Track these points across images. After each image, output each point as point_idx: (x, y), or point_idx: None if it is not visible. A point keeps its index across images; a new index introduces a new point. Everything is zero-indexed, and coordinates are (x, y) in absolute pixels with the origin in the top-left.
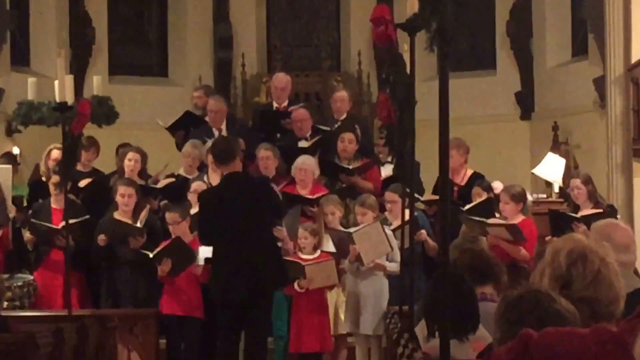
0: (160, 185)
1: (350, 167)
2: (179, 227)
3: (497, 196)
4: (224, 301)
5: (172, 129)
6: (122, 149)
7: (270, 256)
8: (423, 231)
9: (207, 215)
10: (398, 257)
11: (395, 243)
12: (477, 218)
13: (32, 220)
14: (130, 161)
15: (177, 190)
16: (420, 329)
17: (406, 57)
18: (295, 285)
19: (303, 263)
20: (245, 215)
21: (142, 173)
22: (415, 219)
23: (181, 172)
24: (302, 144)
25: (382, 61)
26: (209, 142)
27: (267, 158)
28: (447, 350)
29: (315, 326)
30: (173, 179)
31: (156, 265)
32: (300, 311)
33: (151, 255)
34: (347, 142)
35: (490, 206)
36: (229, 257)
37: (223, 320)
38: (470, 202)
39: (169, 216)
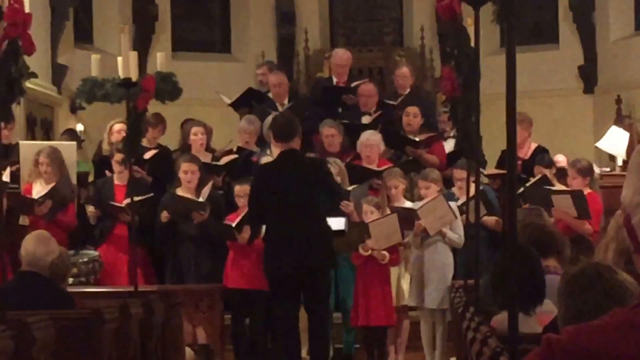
0: (222, 162)
1: (417, 139)
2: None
3: (559, 170)
4: (276, 277)
5: (235, 105)
6: (187, 124)
7: (319, 237)
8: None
9: (259, 190)
10: (461, 230)
11: (459, 215)
12: (544, 187)
13: (97, 196)
14: (197, 135)
15: (241, 166)
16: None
17: (470, 31)
18: (360, 249)
19: (367, 221)
20: (297, 193)
21: (207, 148)
22: (483, 193)
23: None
24: (365, 119)
25: (445, 36)
26: (269, 118)
27: (332, 135)
28: (516, 323)
29: (379, 300)
30: (236, 155)
31: (233, 235)
32: (363, 284)
33: (233, 225)
34: (412, 116)
35: (548, 183)
36: (279, 234)
37: (277, 297)
38: (534, 176)
39: (239, 189)
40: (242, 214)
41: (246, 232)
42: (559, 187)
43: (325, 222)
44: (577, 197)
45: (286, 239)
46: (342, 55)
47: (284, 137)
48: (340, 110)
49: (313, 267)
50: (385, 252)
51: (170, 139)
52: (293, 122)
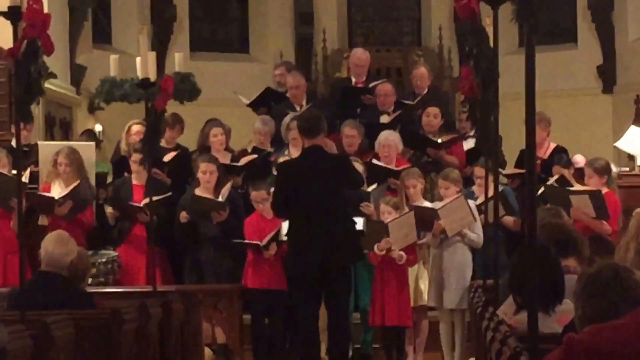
0: (242, 162)
1: (439, 141)
2: (266, 205)
3: (578, 170)
4: (299, 274)
5: (254, 105)
6: (206, 125)
7: (345, 232)
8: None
9: (283, 187)
10: (480, 230)
11: (477, 215)
12: (562, 188)
13: (115, 197)
14: (216, 136)
15: (260, 166)
16: (505, 307)
17: (489, 30)
18: (375, 248)
19: (386, 221)
20: (322, 189)
21: (226, 148)
22: (502, 193)
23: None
24: (384, 118)
25: (464, 35)
26: (287, 119)
27: (352, 136)
28: (536, 323)
29: (396, 300)
30: (255, 155)
31: (260, 251)
32: (381, 284)
33: (262, 244)
34: (432, 117)
35: (566, 183)
36: (303, 231)
37: (299, 295)
38: (553, 176)
39: (255, 194)
40: (272, 234)
41: (272, 249)
42: (577, 187)
43: (350, 218)
44: (596, 197)
45: (311, 236)
46: (360, 55)
47: (310, 133)
48: (359, 110)
49: (338, 264)
50: (402, 253)
51: (189, 140)
52: (319, 119)
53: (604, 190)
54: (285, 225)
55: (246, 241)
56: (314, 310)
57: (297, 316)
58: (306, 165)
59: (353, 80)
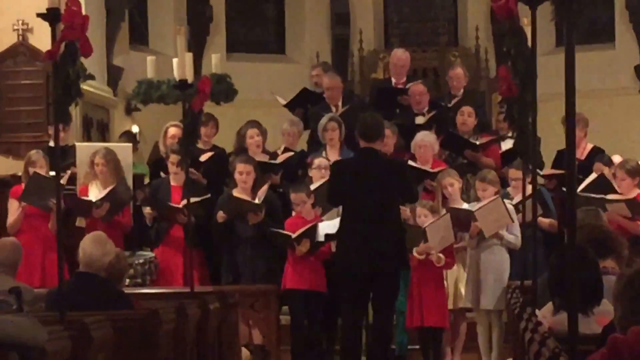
0: (279, 160)
1: (477, 142)
2: (305, 207)
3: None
4: (347, 274)
5: (290, 106)
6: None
7: (393, 236)
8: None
9: (337, 185)
10: (518, 231)
11: (515, 217)
12: (596, 195)
13: (154, 198)
14: (253, 138)
15: (295, 166)
16: (544, 310)
17: (527, 31)
18: (414, 252)
19: (423, 225)
20: (374, 191)
21: (262, 150)
22: (539, 193)
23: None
24: (419, 119)
25: (501, 36)
26: (324, 120)
27: (386, 137)
28: (576, 324)
29: (433, 301)
30: (292, 153)
31: (292, 245)
32: (418, 286)
33: (293, 236)
34: (467, 116)
35: (606, 181)
36: (353, 231)
37: (346, 294)
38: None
39: (295, 197)
40: (304, 228)
41: (304, 246)
42: (617, 185)
43: (401, 222)
44: (632, 204)
45: (361, 238)
46: (400, 55)
47: (369, 137)
48: (397, 111)
49: (388, 266)
50: (441, 255)
51: (226, 141)
52: (380, 124)
53: (636, 191)
54: (323, 226)
55: (279, 230)
56: (359, 311)
57: (335, 317)
58: (361, 165)
59: (393, 81)
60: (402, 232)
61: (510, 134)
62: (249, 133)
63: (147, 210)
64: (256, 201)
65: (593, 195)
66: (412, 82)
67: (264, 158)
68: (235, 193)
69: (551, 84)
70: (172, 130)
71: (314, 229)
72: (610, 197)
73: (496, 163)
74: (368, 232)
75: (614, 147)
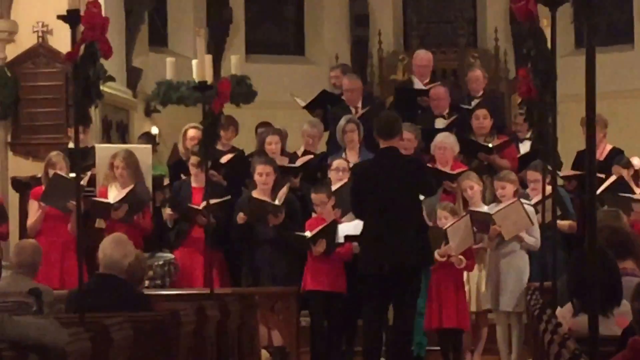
0: (298, 163)
1: (490, 145)
2: (326, 208)
3: (636, 172)
4: (370, 274)
5: (310, 107)
6: (261, 128)
7: (417, 234)
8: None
9: (359, 188)
10: (537, 233)
11: (535, 219)
12: (624, 194)
13: (174, 199)
14: (271, 145)
15: (315, 168)
16: (562, 311)
17: (546, 32)
18: (436, 254)
19: (443, 227)
20: (395, 190)
21: (282, 151)
22: (558, 195)
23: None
24: (439, 122)
25: (520, 37)
26: (342, 122)
27: (408, 140)
28: (596, 325)
29: (453, 303)
30: (311, 156)
31: (308, 245)
32: (437, 287)
33: (309, 235)
34: (482, 118)
35: (625, 184)
36: (377, 231)
37: (368, 294)
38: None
39: (316, 197)
40: (320, 227)
41: (320, 246)
42: (636, 189)
43: (423, 219)
44: None
45: (384, 237)
46: (423, 56)
47: (387, 134)
48: (419, 112)
49: (411, 266)
50: (462, 257)
51: (245, 142)
52: (397, 121)
53: None
54: (342, 227)
55: (295, 233)
56: (380, 310)
57: (355, 318)
58: (381, 165)
59: (416, 81)
60: (425, 228)
61: (527, 136)
62: (268, 139)
63: (167, 211)
64: (276, 202)
65: (620, 194)
66: (433, 83)
67: (284, 161)
68: (255, 194)
69: (571, 85)
70: (191, 132)
71: (330, 229)
72: (637, 196)
73: (513, 165)
74: (392, 230)
75: (633, 148)
